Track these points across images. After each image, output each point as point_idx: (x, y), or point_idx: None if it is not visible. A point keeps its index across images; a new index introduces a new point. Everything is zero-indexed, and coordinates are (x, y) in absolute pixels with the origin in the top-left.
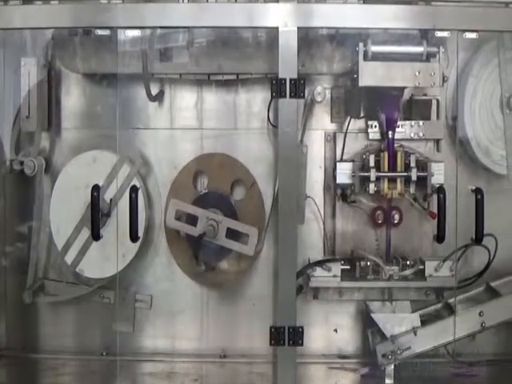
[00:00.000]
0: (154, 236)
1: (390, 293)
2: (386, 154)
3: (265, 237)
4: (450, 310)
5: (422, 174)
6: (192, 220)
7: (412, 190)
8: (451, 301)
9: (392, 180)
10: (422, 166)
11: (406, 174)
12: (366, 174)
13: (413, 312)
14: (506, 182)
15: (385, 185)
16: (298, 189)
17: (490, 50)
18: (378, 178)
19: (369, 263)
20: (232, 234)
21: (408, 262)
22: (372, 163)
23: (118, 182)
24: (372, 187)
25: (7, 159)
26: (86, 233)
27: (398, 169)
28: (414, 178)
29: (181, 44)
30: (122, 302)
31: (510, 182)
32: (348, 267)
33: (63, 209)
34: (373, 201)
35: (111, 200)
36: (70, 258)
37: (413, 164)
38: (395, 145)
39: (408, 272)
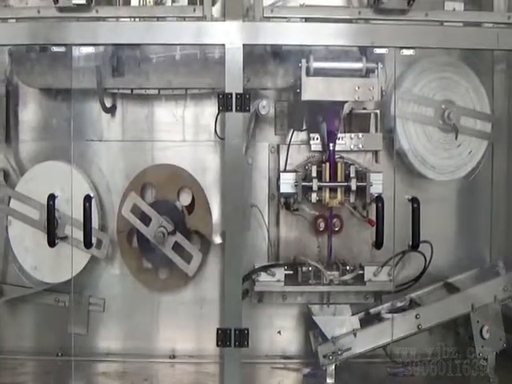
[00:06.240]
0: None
1: (328, 297)
2: (328, 164)
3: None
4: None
5: (361, 183)
6: (145, 220)
7: (352, 199)
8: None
9: (333, 189)
10: (362, 176)
11: (346, 183)
12: (308, 183)
13: (353, 315)
14: (441, 189)
15: (326, 194)
16: (243, 198)
17: (424, 66)
18: (320, 188)
19: (310, 268)
20: (178, 247)
21: (348, 268)
22: (314, 173)
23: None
24: (314, 196)
25: None
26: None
27: (339, 179)
28: (353, 187)
29: (133, 60)
30: (76, 305)
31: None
32: (291, 272)
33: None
34: (314, 209)
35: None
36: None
37: (352, 174)
38: (336, 156)
39: (347, 277)
